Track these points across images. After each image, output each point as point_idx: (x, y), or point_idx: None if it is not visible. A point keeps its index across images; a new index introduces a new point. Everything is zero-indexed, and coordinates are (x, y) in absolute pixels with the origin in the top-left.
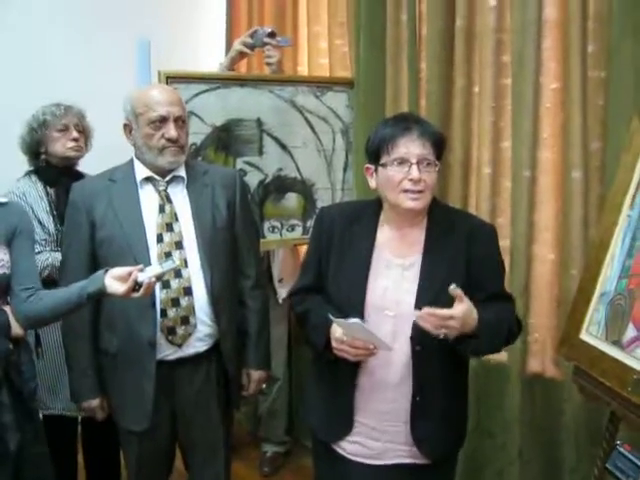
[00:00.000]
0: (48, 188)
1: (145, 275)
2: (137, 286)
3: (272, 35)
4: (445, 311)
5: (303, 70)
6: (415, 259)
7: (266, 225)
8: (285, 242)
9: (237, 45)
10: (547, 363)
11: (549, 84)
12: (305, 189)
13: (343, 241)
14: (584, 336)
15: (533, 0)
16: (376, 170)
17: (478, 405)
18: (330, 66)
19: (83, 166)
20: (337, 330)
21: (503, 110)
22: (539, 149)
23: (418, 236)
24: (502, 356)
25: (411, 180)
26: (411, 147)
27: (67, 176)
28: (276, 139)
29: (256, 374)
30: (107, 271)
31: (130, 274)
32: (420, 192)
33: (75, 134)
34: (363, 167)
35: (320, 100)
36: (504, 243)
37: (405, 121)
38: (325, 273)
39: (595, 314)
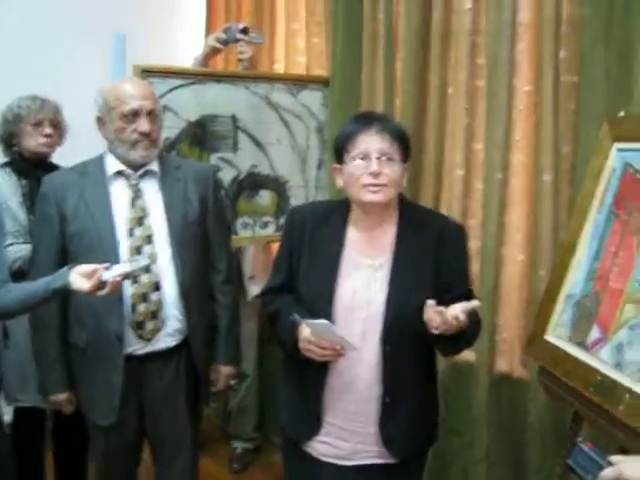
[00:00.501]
0: (22, 180)
1: (110, 274)
2: (102, 284)
3: (245, 31)
4: (456, 313)
5: (280, 68)
6: (385, 260)
7: (239, 222)
8: (257, 239)
9: (210, 41)
10: (515, 363)
11: (522, 87)
12: (279, 186)
13: (313, 241)
14: (549, 337)
15: (508, 3)
16: (342, 169)
17: (446, 403)
18: (307, 64)
19: (58, 160)
20: (304, 330)
21: (476, 112)
22: (511, 151)
23: (388, 236)
24: (470, 355)
25: (371, 174)
26: (370, 142)
27: (40, 168)
28: (251, 136)
29: (225, 370)
30: (72, 267)
31: (95, 271)
32: (381, 185)
33: (48, 130)
34: None
35: (295, 98)
36: (475, 244)
37: (366, 118)
38: (296, 273)
39: (561, 315)
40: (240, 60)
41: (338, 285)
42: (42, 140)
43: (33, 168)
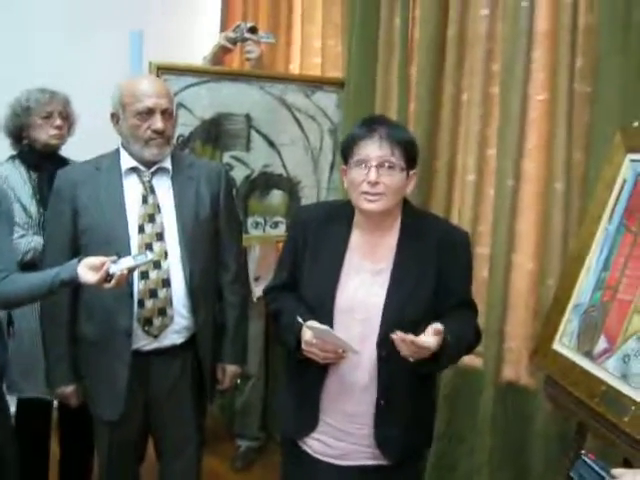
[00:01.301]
0: (31, 172)
1: (117, 267)
2: (109, 277)
3: (253, 30)
4: (424, 341)
5: (295, 68)
6: (386, 264)
7: (249, 221)
8: (267, 238)
9: (220, 39)
10: (521, 371)
11: (536, 95)
12: (290, 187)
13: (317, 241)
14: (557, 346)
15: (524, 10)
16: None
17: (450, 409)
18: (322, 66)
19: (76, 154)
20: (307, 332)
21: (490, 118)
22: (523, 159)
23: (390, 241)
24: (477, 362)
25: (369, 183)
26: (371, 149)
27: (50, 161)
28: (264, 135)
29: (231, 368)
30: (81, 260)
31: (103, 264)
32: (379, 194)
33: (58, 122)
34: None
35: (310, 99)
36: (484, 251)
37: (372, 123)
38: (299, 271)
39: (568, 325)
40: (248, 59)
41: (339, 287)
42: (53, 132)
43: (43, 161)
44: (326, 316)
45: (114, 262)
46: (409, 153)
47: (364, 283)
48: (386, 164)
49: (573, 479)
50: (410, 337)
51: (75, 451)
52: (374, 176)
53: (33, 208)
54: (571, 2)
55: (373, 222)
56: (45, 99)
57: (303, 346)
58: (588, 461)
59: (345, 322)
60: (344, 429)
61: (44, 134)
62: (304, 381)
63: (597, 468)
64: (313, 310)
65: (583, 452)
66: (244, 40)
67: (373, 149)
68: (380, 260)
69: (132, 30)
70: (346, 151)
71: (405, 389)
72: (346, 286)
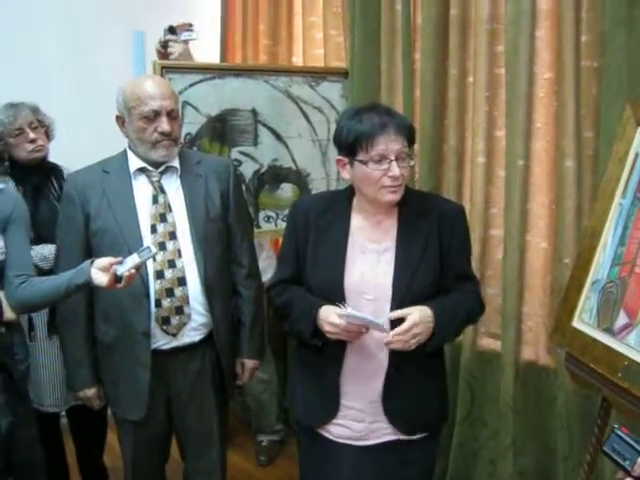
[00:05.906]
0: (19, 187)
1: (124, 268)
2: (118, 278)
3: (172, 31)
4: (406, 324)
5: (298, 61)
6: (389, 244)
7: (261, 215)
8: (280, 232)
9: (155, 45)
10: (540, 351)
11: (543, 74)
12: (300, 179)
13: (318, 230)
14: (576, 323)
15: None
16: (351, 163)
17: (471, 394)
18: (325, 56)
19: (83, 158)
20: (330, 315)
21: (497, 100)
22: (533, 138)
23: (391, 221)
24: (496, 345)
25: (391, 177)
26: (389, 144)
27: (35, 174)
28: (271, 129)
29: (250, 363)
30: (93, 262)
31: (111, 265)
32: (399, 185)
33: (32, 135)
34: None
35: (315, 90)
36: (498, 232)
37: (378, 115)
38: (303, 264)
39: (587, 301)
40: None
41: (346, 270)
42: (30, 147)
43: (26, 174)
44: (337, 299)
45: (120, 263)
46: (413, 138)
47: (370, 264)
48: (402, 155)
49: (606, 453)
50: (392, 333)
51: (90, 452)
52: (398, 171)
53: None
54: None
55: (381, 208)
56: (9, 118)
57: (328, 328)
58: (621, 434)
59: (356, 303)
60: (364, 410)
61: (23, 152)
62: (321, 368)
63: (631, 441)
64: (322, 295)
65: (616, 426)
66: (167, 42)
67: (392, 144)
68: (383, 239)
69: (134, 31)
70: (355, 145)
71: (414, 365)
72: (353, 268)
